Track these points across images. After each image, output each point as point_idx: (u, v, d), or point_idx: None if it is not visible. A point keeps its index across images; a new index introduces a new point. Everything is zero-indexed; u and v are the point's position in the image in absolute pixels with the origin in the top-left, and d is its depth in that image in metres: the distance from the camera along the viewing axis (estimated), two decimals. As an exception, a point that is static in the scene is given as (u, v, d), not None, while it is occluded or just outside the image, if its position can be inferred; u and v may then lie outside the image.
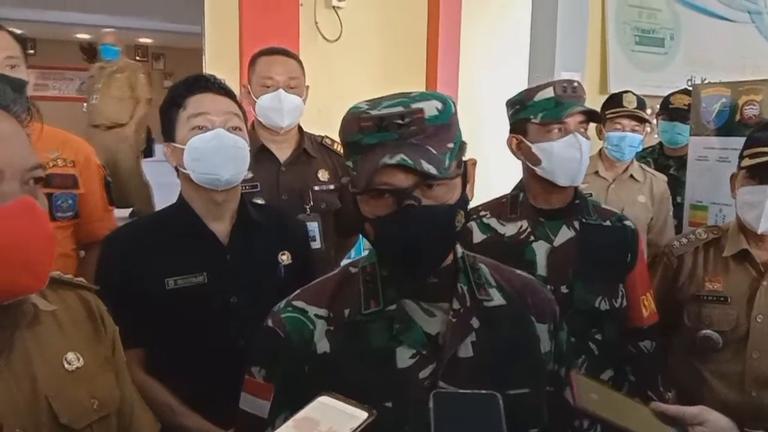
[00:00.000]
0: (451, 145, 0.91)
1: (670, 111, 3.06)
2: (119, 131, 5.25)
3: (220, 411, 1.30)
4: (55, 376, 0.92)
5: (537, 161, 1.55)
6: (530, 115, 1.54)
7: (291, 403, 0.87)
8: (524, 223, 1.57)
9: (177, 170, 1.43)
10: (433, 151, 0.88)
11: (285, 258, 1.49)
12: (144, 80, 5.40)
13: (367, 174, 0.87)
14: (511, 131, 1.61)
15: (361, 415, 0.73)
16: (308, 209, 1.93)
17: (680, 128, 3.02)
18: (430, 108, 0.89)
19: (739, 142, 2.48)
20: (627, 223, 1.66)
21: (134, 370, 1.33)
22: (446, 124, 0.90)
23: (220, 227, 1.42)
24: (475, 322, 0.96)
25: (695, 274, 1.72)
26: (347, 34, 4.09)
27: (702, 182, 2.64)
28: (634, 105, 2.66)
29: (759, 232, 1.60)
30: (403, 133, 0.87)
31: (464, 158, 0.96)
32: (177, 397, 1.33)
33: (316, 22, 4.08)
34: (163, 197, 5.17)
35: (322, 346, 0.95)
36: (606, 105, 2.74)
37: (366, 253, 1.05)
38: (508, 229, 1.58)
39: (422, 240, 0.89)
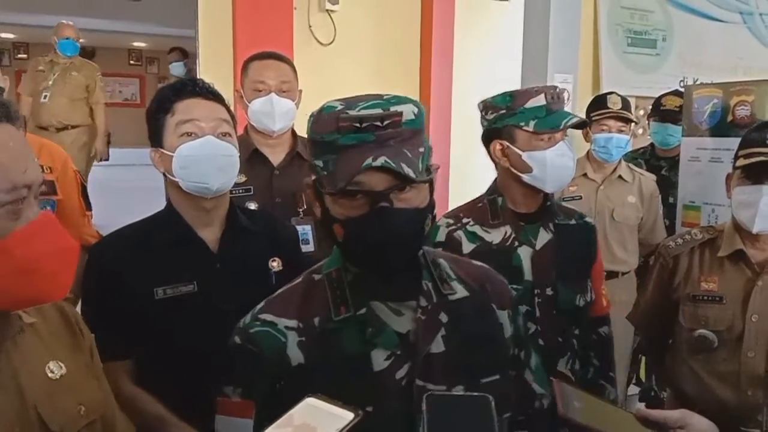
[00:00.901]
0: (422, 150, 0.92)
1: (661, 112, 3.08)
2: (71, 133, 4.96)
3: (211, 420, 1.29)
4: (40, 385, 0.93)
5: (527, 169, 1.54)
6: (521, 122, 1.52)
7: (272, 418, 0.85)
8: (507, 229, 1.58)
9: (165, 176, 1.40)
10: (409, 155, 0.88)
11: (275, 264, 1.47)
12: (101, 83, 5.21)
13: (347, 175, 0.86)
14: (494, 136, 1.59)
15: (347, 416, 0.73)
16: (301, 212, 1.93)
17: (672, 129, 3.03)
18: (408, 112, 0.89)
19: (732, 142, 2.50)
20: (587, 219, 1.73)
21: (124, 382, 1.31)
22: (420, 129, 0.92)
23: (210, 234, 1.40)
24: (443, 317, 0.97)
25: (691, 274, 1.73)
26: (341, 38, 4.10)
27: (694, 183, 2.65)
28: (619, 106, 2.67)
29: (754, 231, 1.60)
30: (380, 135, 0.87)
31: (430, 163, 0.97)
32: (168, 408, 1.30)
33: (310, 26, 4.09)
34: (119, 201, 5.10)
35: (296, 357, 0.95)
36: (591, 107, 2.75)
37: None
38: (494, 237, 1.58)
39: (394, 242, 0.90)
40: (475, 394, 0.81)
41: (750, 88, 2.48)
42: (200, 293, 1.34)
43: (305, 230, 1.91)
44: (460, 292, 1.02)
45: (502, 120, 1.56)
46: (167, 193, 1.45)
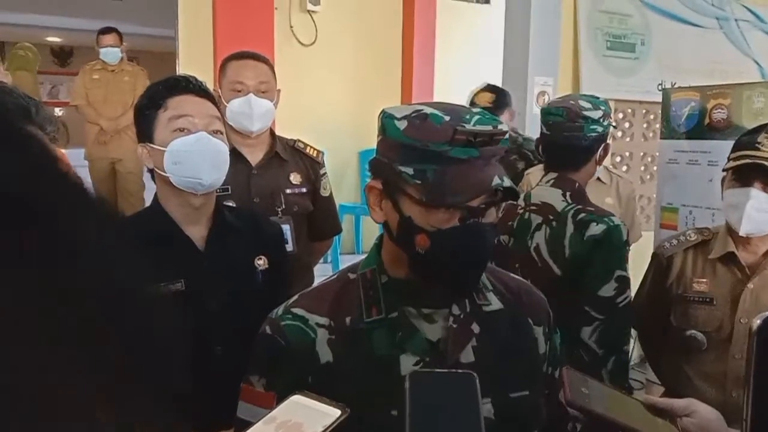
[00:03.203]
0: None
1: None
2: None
3: (199, 419, 1.28)
4: None
5: None
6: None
7: None
8: None
9: (152, 173, 1.39)
10: (505, 173, 0.90)
11: (262, 263, 1.47)
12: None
13: (470, 190, 0.87)
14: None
15: (333, 413, 0.73)
16: (280, 212, 1.91)
17: None
18: (505, 130, 0.91)
19: (709, 145, 2.54)
20: None
21: None
22: (504, 148, 0.93)
23: (197, 232, 1.40)
24: (475, 328, 0.97)
25: (683, 275, 1.74)
26: (323, 39, 4.09)
27: (672, 185, 2.68)
28: None
29: (741, 234, 1.61)
30: (485, 151, 0.88)
31: None
32: None
33: (291, 27, 4.07)
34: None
35: (325, 355, 0.95)
36: None
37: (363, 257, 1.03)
38: None
39: (481, 256, 0.92)
40: (460, 371, 0.81)
41: (727, 92, 2.52)
42: (188, 291, 1.34)
43: (284, 230, 1.90)
44: (495, 303, 1.01)
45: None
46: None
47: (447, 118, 0.89)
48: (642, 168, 3.97)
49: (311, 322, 0.96)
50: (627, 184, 2.84)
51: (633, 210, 2.84)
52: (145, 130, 1.37)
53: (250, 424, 0.91)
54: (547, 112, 1.71)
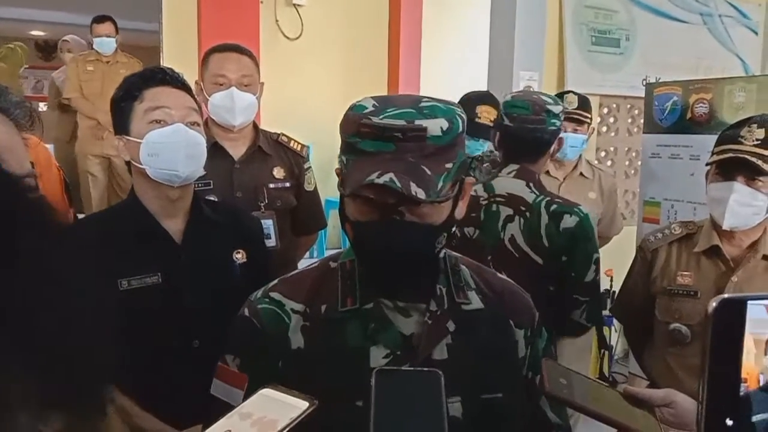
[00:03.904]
0: (449, 165, 0.87)
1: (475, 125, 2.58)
2: None
3: (176, 411, 1.28)
4: None
5: None
6: None
7: None
8: None
9: (129, 165, 1.39)
10: (428, 172, 0.84)
11: (240, 256, 1.46)
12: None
13: (355, 182, 0.85)
14: None
15: (301, 405, 0.73)
16: (263, 207, 1.90)
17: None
18: (435, 127, 0.85)
19: (691, 139, 2.56)
20: None
21: None
22: (448, 145, 0.87)
23: (174, 225, 1.39)
24: (451, 325, 0.95)
25: (668, 269, 1.75)
26: (308, 32, 4.07)
27: (655, 179, 2.70)
28: (575, 105, 2.72)
29: (723, 227, 1.62)
30: (401, 147, 0.84)
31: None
32: (132, 399, 1.30)
33: (277, 20, 4.05)
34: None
35: (297, 341, 0.95)
36: None
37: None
38: None
39: (399, 255, 0.88)
40: (426, 369, 0.81)
41: (708, 86, 2.53)
42: (165, 284, 1.34)
43: (267, 225, 1.89)
44: (475, 303, 0.99)
45: None
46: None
47: (367, 109, 0.87)
48: (626, 163, 3.99)
49: (287, 307, 0.97)
50: (609, 177, 2.87)
51: (615, 203, 2.88)
52: (121, 122, 1.37)
53: (222, 402, 0.94)
54: (511, 105, 1.74)
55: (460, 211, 0.95)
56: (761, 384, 0.61)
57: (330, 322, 0.95)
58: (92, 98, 4.56)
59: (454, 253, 1.04)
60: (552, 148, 1.76)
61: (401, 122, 0.84)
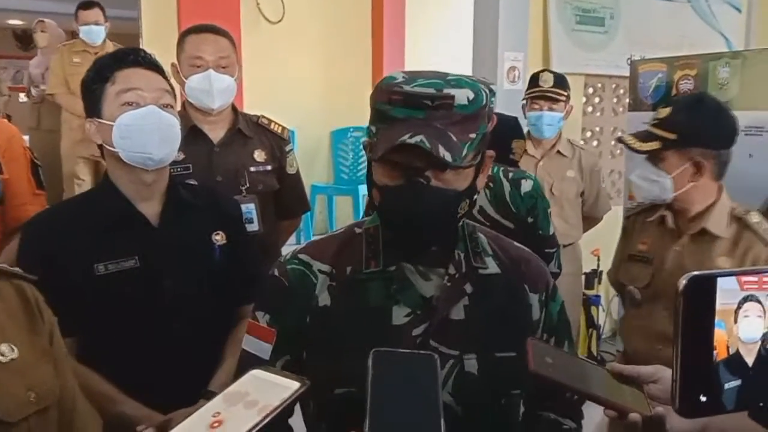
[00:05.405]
0: (473, 135, 0.93)
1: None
2: None
3: (159, 395, 1.27)
4: None
5: None
6: None
7: (291, 349, 1.00)
8: None
9: (101, 148, 1.36)
10: (454, 139, 0.90)
11: (219, 238, 1.44)
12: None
13: (386, 146, 0.90)
14: None
15: (292, 386, 0.74)
16: (244, 191, 1.88)
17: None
18: (461, 96, 0.91)
19: (675, 116, 2.54)
20: None
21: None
22: (473, 115, 0.93)
23: (150, 208, 1.37)
24: (468, 288, 1.01)
25: (632, 236, 1.87)
26: (290, 16, 4.01)
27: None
28: (550, 84, 2.73)
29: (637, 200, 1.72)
30: (430, 114, 0.90)
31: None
32: (114, 385, 1.29)
33: (258, 4, 3.99)
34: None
35: (323, 299, 1.01)
36: (528, 85, 2.83)
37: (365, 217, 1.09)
38: None
39: (423, 218, 0.94)
40: (422, 352, 0.85)
41: (693, 62, 2.52)
42: (142, 268, 1.32)
43: (249, 209, 1.86)
44: (492, 267, 1.05)
45: None
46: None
47: (399, 80, 0.93)
48: (612, 143, 3.98)
49: (314, 267, 1.03)
50: (590, 156, 2.88)
51: (598, 182, 2.88)
52: (92, 105, 1.34)
53: (253, 356, 1.01)
54: None
55: (481, 182, 1.01)
56: (731, 353, 0.60)
57: (355, 283, 1.01)
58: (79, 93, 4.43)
59: (471, 222, 1.09)
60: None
61: (431, 90, 0.90)
